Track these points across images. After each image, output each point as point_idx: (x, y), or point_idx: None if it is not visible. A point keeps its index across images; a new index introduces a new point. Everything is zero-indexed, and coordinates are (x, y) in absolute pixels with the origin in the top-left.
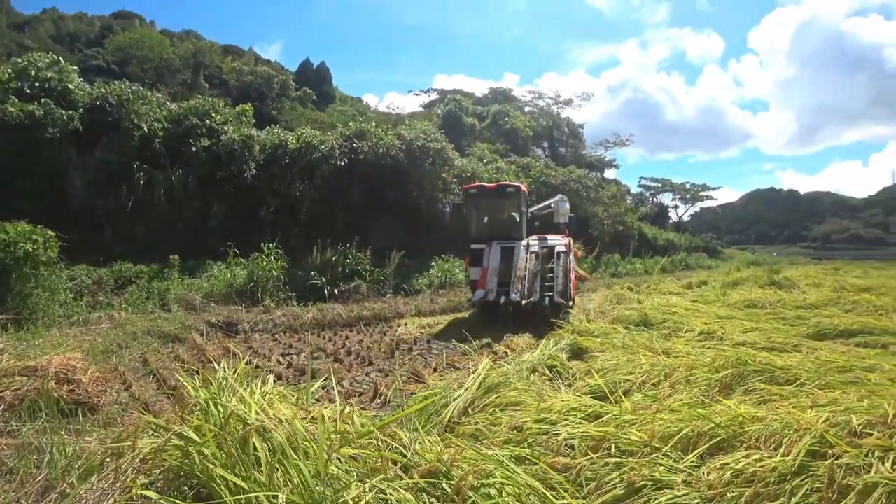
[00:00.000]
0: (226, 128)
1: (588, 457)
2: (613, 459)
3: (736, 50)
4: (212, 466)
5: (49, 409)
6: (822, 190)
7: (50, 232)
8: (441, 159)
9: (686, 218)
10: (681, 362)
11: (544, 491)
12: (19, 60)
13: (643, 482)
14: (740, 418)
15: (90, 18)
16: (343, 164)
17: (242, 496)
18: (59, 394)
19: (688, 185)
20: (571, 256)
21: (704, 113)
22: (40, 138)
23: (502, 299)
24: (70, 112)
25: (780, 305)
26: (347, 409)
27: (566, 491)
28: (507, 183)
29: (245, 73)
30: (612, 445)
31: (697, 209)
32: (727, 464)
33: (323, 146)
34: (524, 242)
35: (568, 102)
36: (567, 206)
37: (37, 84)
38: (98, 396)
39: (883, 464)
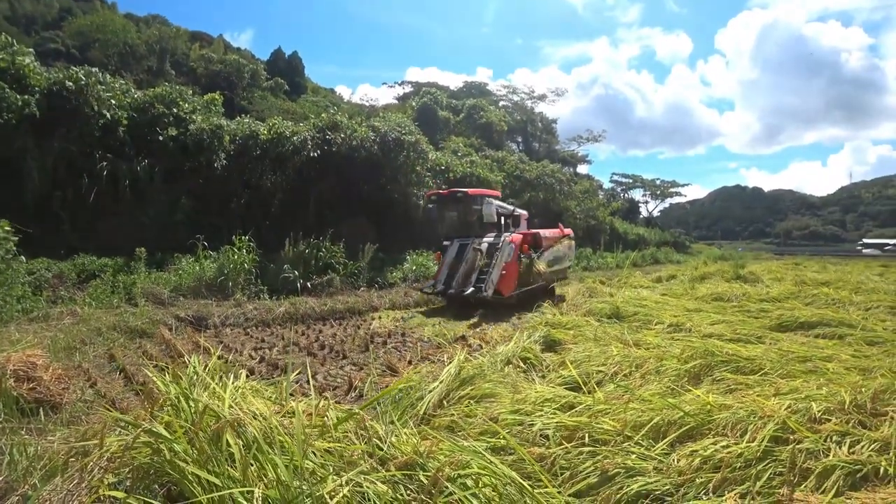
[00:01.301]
0: (194, 117)
1: (562, 446)
2: (587, 448)
3: (704, 50)
4: (183, 463)
5: (7, 408)
6: (784, 188)
7: (5, 223)
8: (415, 152)
9: (656, 213)
10: (651, 354)
11: (520, 480)
12: None
13: (616, 470)
14: (708, 407)
15: None
16: (316, 155)
17: (216, 493)
18: (18, 392)
19: (658, 182)
20: (508, 252)
21: (673, 111)
22: None
23: (440, 288)
24: (26, 97)
25: (745, 299)
26: (322, 402)
27: (540, 480)
28: (457, 189)
29: (214, 61)
30: (586, 435)
31: (667, 205)
32: (696, 450)
33: (295, 137)
34: (475, 240)
35: (542, 98)
36: (491, 208)
37: None
38: (60, 394)
39: (840, 448)
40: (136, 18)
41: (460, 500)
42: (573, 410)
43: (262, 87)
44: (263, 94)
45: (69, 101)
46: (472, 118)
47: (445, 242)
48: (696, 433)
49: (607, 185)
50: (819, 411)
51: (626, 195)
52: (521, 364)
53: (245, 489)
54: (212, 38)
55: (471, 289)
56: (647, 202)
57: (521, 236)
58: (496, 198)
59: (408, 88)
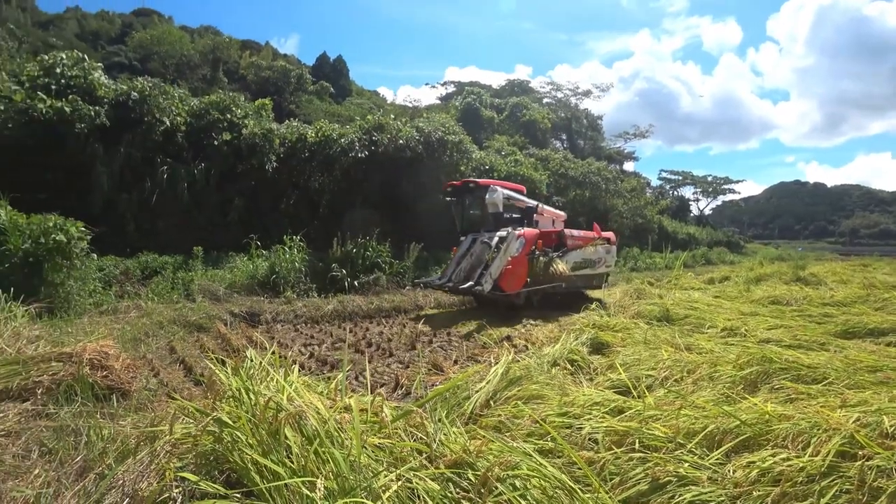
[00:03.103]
0: (246, 122)
1: (612, 451)
2: (637, 454)
3: (754, 38)
4: (249, 452)
5: (84, 393)
6: (850, 183)
7: (80, 223)
8: (459, 152)
9: (707, 211)
10: (704, 359)
11: (571, 484)
12: (46, 58)
13: (668, 478)
14: (767, 416)
15: (111, 16)
16: (363, 156)
17: (280, 482)
18: (93, 379)
19: (710, 178)
20: (517, 247)
21: (722, 103)
22: (68, 134)
23: (440, 282)
24: (96, 108)
25: (806, 302)
26: (377, 399)
27: (589, 485)
28: (470, 179)
29: (263, 68)
30: (636, 440)
31: (719, 203)
32: (753, 462)
33: (342, 139)
34: (484, 233)
35: (587, 94)
36: (496, 196)
37: (63, 81)
38: (129, 382)
39: None
40: (190, 30)
41: (510, 500)
42: (623, 415)
43: (309, 91)
44: (310, 98)
45: (134, 111)
46: (516, 116)
47: (462, 238)
48: (753, 444)
49: (655, 182)
50: (892, 426)
51: (675, 193)
52: (569, 366)
53: (309, 479)
54: (260, 45)
55: (469, 283)
56: (697, 200)
57: (535, 231)
58: (518, 192)
59: (450, 88)
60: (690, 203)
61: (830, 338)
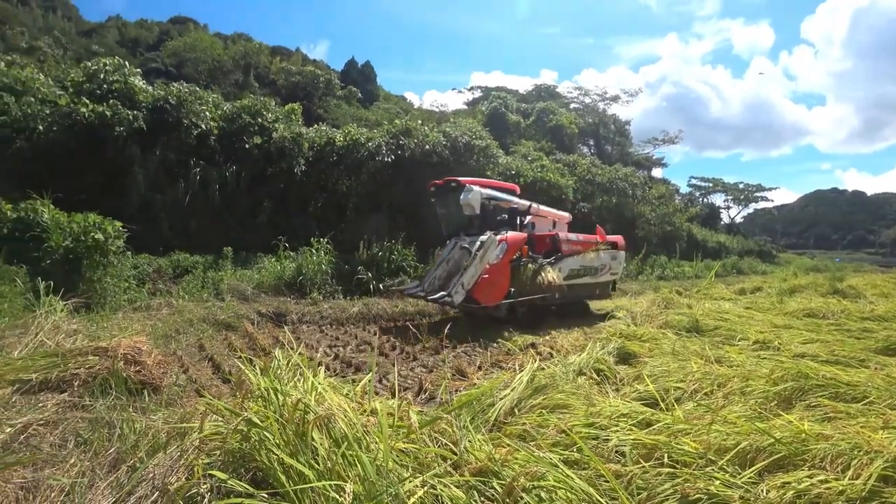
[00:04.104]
0: (276, 126)
1: (639, 465)
2: (666, 469)
3: (788, 41)
4: (276, 452)
5: (118, 387)
6: (891, 191)
7: (118, 223)
8: (486, 157)
9: (739, 220)
10: (735, 372)
11: (598, 497)
12: (90, 64)
13: (697, 495)
14: (803, 435)
15: (150, 24)
16: (390, 160)
17: (307, 485)
18: (127, 374)
19: (741, 186)
20: (497, 253)
21: (753, 108)
22: (108, 137)
23: (413, 290)
24: (134, 112)
25: (843, 316)
26: (404, 403)
27: (616, 498)
28: (452, 178)
29: (293, 73)
30: (665, 455)
31: (751, 210)
32: (789, 483)
33: (369, 144)
34: (464, 237)
35: (615, 99)
36: (470, 196)
37: (104, 86)
38: (160, 378)
39: None
40: (223, 37)
41: None
42: (651, 428)
43: (337, 95)
44: (338, 103)
45: (171, 115)
46: (542, 121)
47: (448, 242)
48: (788, 463)
49: (684, 189)
50: None
51: (705, 200)
52: (595, 376)
53: (337, 483)
54: (291, 51)
55: (441, 293)
56: (728, 207)
57: (521, 236)
58: (509, 191)
59: (476, 93)
60: (721, 211)
61: (870, 354)
